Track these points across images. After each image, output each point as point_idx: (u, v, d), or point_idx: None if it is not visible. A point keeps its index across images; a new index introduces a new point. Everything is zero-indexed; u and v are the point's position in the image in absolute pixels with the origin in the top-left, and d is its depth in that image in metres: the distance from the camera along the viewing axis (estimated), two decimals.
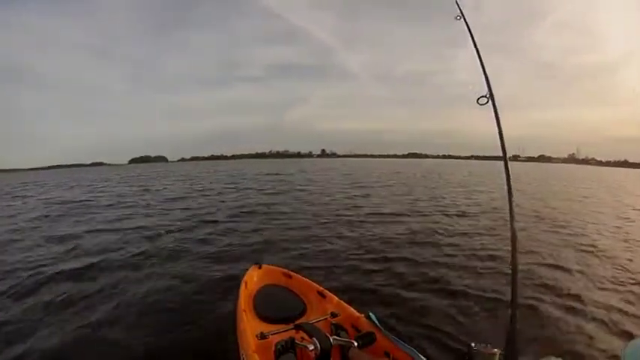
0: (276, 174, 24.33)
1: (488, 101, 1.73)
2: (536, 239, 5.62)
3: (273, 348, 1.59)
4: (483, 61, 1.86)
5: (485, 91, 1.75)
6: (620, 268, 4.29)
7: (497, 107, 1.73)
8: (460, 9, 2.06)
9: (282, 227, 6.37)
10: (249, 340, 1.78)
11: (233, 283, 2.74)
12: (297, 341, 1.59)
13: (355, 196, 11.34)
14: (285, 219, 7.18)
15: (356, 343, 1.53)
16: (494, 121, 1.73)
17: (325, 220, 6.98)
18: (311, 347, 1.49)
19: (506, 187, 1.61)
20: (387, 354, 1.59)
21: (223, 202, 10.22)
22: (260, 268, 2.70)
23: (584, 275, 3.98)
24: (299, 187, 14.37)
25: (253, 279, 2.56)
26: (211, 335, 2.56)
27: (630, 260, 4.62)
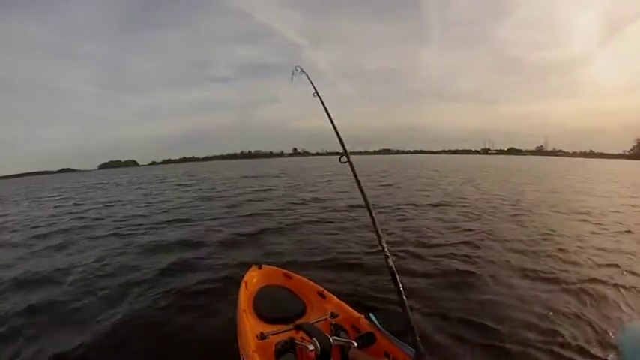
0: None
1: (347, 161, 1.93)
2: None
3: (273, 348, 1.54)
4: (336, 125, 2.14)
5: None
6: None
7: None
8: (315, 89, 2.31)
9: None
10: (249, 340, 1.70)
11: (233, 283, 2.65)
12: (297, 341, 1.53)
13: None
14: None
15: (356, 343, 1.47)
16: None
17: None
18: (311, 347, 1.43)
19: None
20: (387, 354, 1.53)
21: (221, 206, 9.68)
22: (260, 268, 2.62)
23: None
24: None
25: (253, 279, 2.47)
26: (211, 335, 2.47)
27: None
